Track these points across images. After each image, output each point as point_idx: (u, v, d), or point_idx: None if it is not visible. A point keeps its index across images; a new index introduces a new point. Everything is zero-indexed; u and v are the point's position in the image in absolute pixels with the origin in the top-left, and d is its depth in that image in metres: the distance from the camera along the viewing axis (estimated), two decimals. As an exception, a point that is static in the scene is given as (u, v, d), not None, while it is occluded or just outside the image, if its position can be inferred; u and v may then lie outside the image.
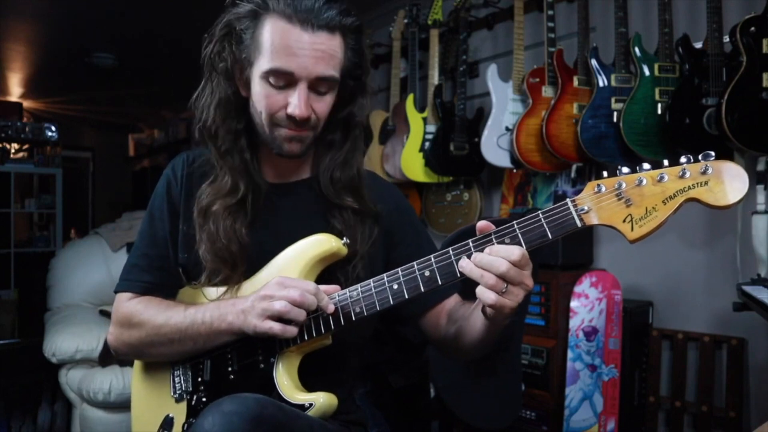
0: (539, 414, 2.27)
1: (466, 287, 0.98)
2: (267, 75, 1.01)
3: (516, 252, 0.88)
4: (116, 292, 1.17)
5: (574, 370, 2.20)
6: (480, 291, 0.89)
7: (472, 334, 1.04)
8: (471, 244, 0.94)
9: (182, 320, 1.05)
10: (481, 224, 0.94)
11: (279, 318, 0.97)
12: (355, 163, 1.14)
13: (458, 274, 0.94)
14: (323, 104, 1.06)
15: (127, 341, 1.12)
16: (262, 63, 1.02)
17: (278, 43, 1.00)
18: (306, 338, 1.03)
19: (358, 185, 1.14)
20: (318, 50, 1.00)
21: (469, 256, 0.92)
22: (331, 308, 1.01)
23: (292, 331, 0.98)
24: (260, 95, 1.04)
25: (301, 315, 0.98)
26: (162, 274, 1.15)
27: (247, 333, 1.00)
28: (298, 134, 1.06)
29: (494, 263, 0.88)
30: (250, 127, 1.12)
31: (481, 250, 0.91)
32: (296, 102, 1.01)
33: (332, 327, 1.02)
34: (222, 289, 1.10)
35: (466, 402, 1.68)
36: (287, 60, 1.00)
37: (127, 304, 1.13)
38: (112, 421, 2.55)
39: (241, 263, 1.09)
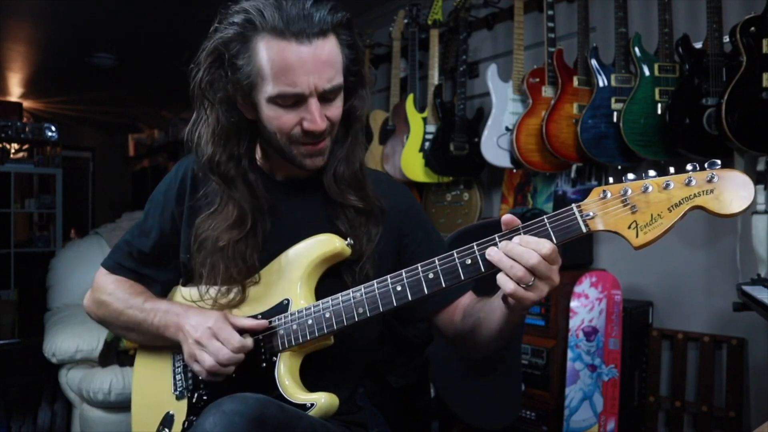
0: (539, 414, 2.27)
1: (479, 285, 0.98)
2: (274, 99, 0.99)
3: (547, 245, 0.87)
4: (102, 264, 1.24)
5: (574, 370, 2.20)
6: (501, 278, 0.89)
7: (490, 325, 1.04)
8: (475, 247, 0.94)
9: (138, 314, 1.14)
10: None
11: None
12: (357, 158, 1.13)
13: (462, 277, 0.94)
14: (335, 109, 1.04)
15: (96, 312, 1.23)
16: (267, 88, 0.99)
17: (279, 64, 0.96)
18: (308, 338, 1.03)
19: (362, 181, 1.13)
20: (319, 62, 0.97)
21: (474, 259, 0.93)
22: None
23: (217, 379, 1.04)
24: (271, 118, 1.02)
25: (228, 371, 1.03)
26: (136, 263, 1.21)
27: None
28: (318, 149, 1.05)
29: (525, 255, 0.87)
30: (252, 148, 1.11)
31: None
32: (311, 117, 1.00)
33: (334, 327, 1.02)
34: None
35: (466, 402, 1.68)
36: (292, 81, 0.97)
37: (103, 278, 1.22)
38: (112, 421, 2.55)
39: (245, 281, 1.09)
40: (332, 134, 1.07)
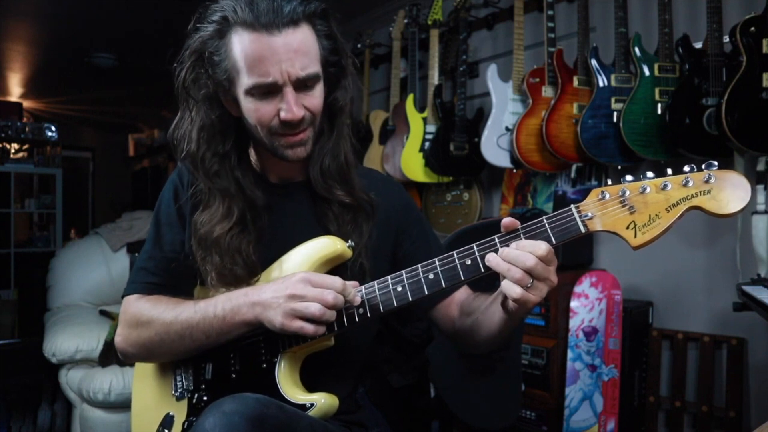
0: (539, 414, 2.27)
1: (477, 281, 0.98)
2: (250, 90, 1.00)
3: (542, 247, 0.88)
4: (123, 296, 1.15)
5: (574, 370, 2.20)
6: (505, 285, 0.89)
7: (490, 327, 1.05)
8: (475, 248, 0.94)
9: (193, 315, 1.04)
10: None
11: (309, 318, 0.96)
12: (342, 150, 1.13)
13: (462, 278, 0.94)
14: (313, 98, 1.05)
15: (136, 341, 1.10)
16: (243, 80, 1.00)
17: (251, 55, 0.98)
18: (309, 339, 1.03)
19: (347, 173, 1.13)
20: (291, 50, 0.98)
21: (473, 260, 0.93)
22: (357, 300, 1.00)
23: (321, 331, 0.97)
24: (250, 110, 1.03)
25: (332, 317, 0.97)
26: (168, 275, 1.14)
27: (265, 326, 0.99)
28: (298, 139, 1.05)
29: (521, 258, 0.88)
30: (239, 145, 1.11)
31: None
32: (286, 107, 1.00)
33: (335, 328, 1.02)
34: None
35: (466, 402, 1.68)
36: (265, 71, 0.98)
37: (136, 304, 1.11)
38: (112, 421, 2.55)
39: (250, 280, 1.09)
40: (314, 125, 1.07)
